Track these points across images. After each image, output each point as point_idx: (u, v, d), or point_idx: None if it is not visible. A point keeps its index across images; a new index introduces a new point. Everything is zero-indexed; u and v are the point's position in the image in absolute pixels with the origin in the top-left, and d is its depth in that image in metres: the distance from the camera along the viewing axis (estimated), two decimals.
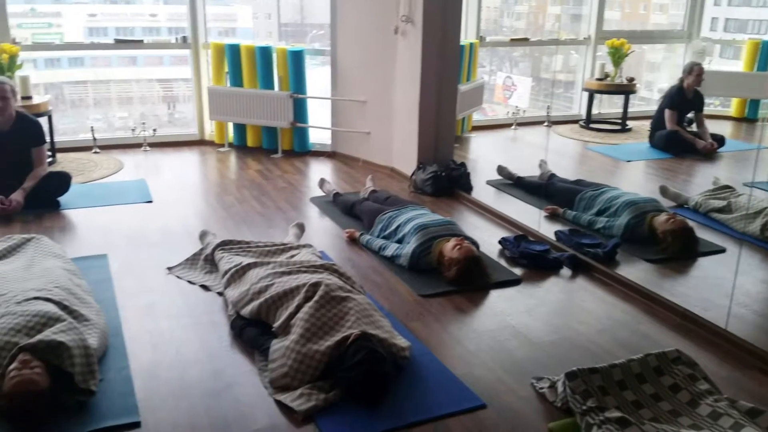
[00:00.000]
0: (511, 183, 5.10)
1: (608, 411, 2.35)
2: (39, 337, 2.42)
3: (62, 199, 4.53)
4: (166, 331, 2.94)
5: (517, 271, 3.67)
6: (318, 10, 6.88)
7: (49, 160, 5.10)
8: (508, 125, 7.04)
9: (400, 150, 5.53)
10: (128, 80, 7.23)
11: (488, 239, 4.06)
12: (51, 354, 2.38)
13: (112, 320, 2.97)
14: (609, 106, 7.57)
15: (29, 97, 5.38)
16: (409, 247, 3.62)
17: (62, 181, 4.54)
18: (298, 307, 2.78)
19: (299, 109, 6.04)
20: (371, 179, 4.88)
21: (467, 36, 6.59)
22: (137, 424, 2.30)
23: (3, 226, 4.09)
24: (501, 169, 5.22)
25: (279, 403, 2.45)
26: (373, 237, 3.97)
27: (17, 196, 4.30)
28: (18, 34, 5.73)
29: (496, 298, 3.37)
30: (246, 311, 2.93)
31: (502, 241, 3.96)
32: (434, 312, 3.20)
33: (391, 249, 3.74)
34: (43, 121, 5.13)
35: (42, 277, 2.95)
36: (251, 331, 2.86)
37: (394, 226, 3.90)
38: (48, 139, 5.19)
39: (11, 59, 5.29)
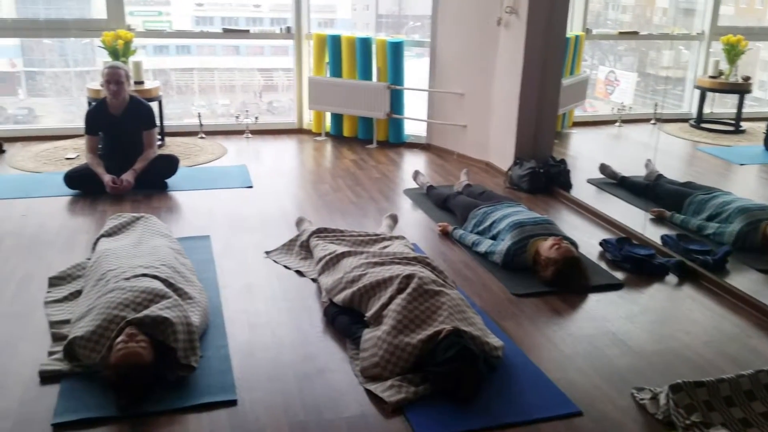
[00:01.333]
0: (614, 183, 4.90)
1: (714, 428, 2.21)
2: (145, 312, 2.54)
3: (170, 181, 4.74)
4: (262, 313, 3.01)
5: (619, 276, 3.52)
6: (417, 1, 6.85)
7: (159, 143, 5.34)
8: (611, 122, 6.76)
9: (497, 144, 5.42)
10: (231, 69, 7.48)
11: (588, 240, 3.92)
12: (156, 329, 2.49)
13: (213, 299, 3.07)
14: (720, 105, 7.13)
15: (141, 82, 5.67)
16: (503, 244, 3.55)
17: (170, 164, 4.75)
18: (391, 298, 2.78)
19: (396, 101, 6.05)
20: (466, 173, 4.82)
21: (572, 28, 6.37)
22: (234, 402, 2.37)
23: (115, 205, 4.32)
24: (603, 168, 5.02)
25: (369, 392, 2.45)
26: (466, 232, 3.91)
27: (128, 177, 4.53)
28: (131, 21, 6.03)
29: (595, 302, 3.25)
30: (339, 299, 2.96)
31: (603, 243, 3.81)
32: (528, 312, 3.11)
33: (485, 245, 3.67)
34: (154, 105, 5.38)
35: (150, 255, 3.10)
36: (343, 319, 2.89)
37: (488, 222, 3.83)
38: (158, 123, 5.44)
39: (126, 45, 5.58)
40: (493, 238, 3.71)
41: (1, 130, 5.95)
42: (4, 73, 6.96)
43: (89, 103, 5.44)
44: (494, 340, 2.68)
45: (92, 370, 2.46)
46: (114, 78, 4.52)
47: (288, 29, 6.37)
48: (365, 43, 6.01)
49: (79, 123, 5.78)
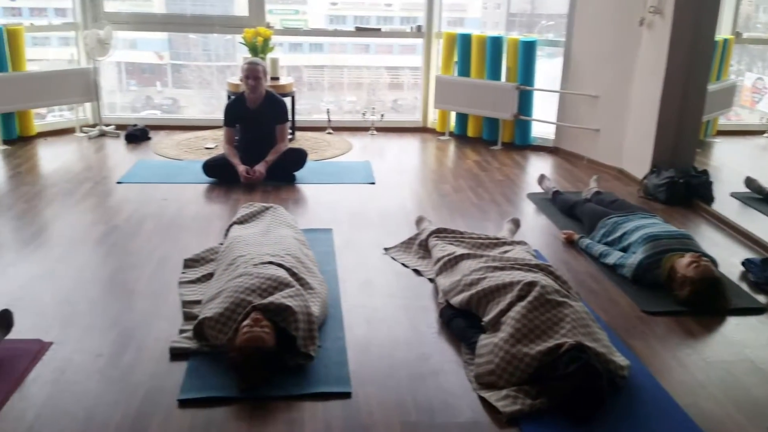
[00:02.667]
0: (761, 198, 4.50)
1: None
2: (270, 299, 2.63)
3: (298, 173, 4.90)
4: (380, 309, 3.03)
5: (762, 299, 3.22)
6: (551, 0, 6.64)
7: (289, 137, 5.53)
8: (759, 132, 6.23)
9: (632, 150, 5.14)
10: (360, 67, 7.61)
11: (729, 259, 3.62)
12: (279, 316, 2.57)
13: (333, 291, 3.13)
14: None
15: (277, 78, 5.90)
16: (635, 258, 3.35)
17: (299, 158, 4.91)
18: (510, 305, 2.70)
19: (524, 102, 5.90)
20: (596, 179, 4.60)
21: (720, 31, 5.92)
22: (348, 395, 2.40)
23: (246, 194, 4.52)
24: (750, 182, 4.62)
25: (483, 399, 2.40)
26: (593, 242, 3.73)
27: (261, 168, 4.72)
28: (270, 19, 6.29)
29: (734, 326, 2.99)
30: (456, 301, 2.92)
31: (746, 263, 3.50)
32: (659, 332, 2.92)
33: (614, 257, 3.49)
34: (287, 101, 5.57)
35: (276, 244, 3.20)
36: (460, 323, 2.84)
37: (619, 233, 3.63)
38: (290, 117, 5.63)
39: (265, 42, 5.83)
40: (623, 250, 3.52)
41: (147, 119, 6.41)
42: (153, 65, 7.49)
43: (228, 97, 5.73)
44: (620, 359, 2.53)
45: (218, 350, 2.58)
46: (253, 73, 4.73)
47: (418, 28, 6.39)
48: (496, 42, 5.91)
49: (219, 115, 6.11)
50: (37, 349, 2.61)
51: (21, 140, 5.68)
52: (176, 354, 2.61)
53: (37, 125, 5.84)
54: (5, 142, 5.51)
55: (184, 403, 2.33)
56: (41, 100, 5.60)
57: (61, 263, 3.42)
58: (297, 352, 2.54)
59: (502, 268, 2.99)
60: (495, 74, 5.98)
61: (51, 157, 5.33)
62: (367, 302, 3.09)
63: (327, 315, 2.92)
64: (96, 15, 5.95)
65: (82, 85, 5.76)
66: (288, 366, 2.52)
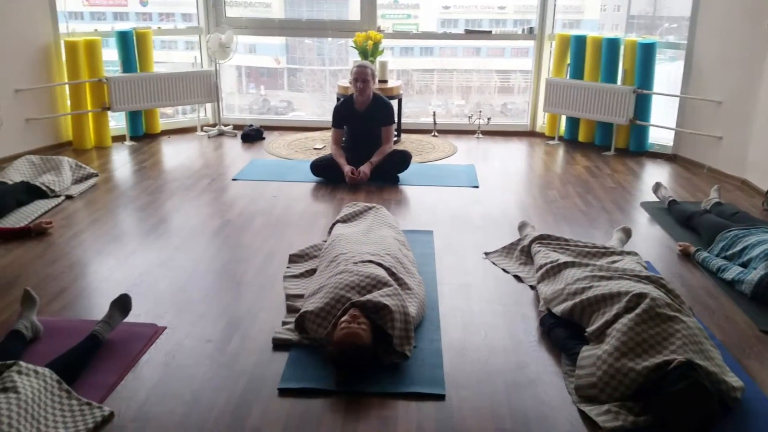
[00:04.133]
0: None
1: None
2: (368, 296, 2.66)
3: (402, 175, 4.94)
4: (477, 314, 3.00)
5: None
6: (675, 2, 6.30)
7: (395, 139, 5.58)
8: None
9: (757, 160, 4.79)
10: (469, 70, 7.56)
11: None
12: (376, 314, 2.60)
13: (430, 293, 3.13)
14: None
15: (385, 81, 5.98)
16: (755, 274, 3.11)
17: (404, 159, 4.95)
18: (617, 316, 2.58)
19: (641, 106, 5.64)
20: (717, 190, 4.32)
21: None
22: (442, 397, 2.39)
23: (351, 194, 4.62)
24: None
25: (582, 413, 2.31)
26: (711, 255, 3.51)
27: (365, 169, 4.80)
28: (381, 23, 6.38)
29: None
30: (558, 310, 2.84)
31: None
32: None
33: (733, 272, 3.26)
34: (394, 103, 5.63)
35: (377, 244, 3.25)
36: (561, 332, 2.76)
37: (739, 247, 3.39)
38: (396, 120, 5.69)
39: (375, 45, 5.92)
40: (743, 265, 3.29)
41: (263, 119, 6.69)
42: (271, 69, 7.80)
43: (338, 99, 5.87)
44: (733, 380, 2.36)
45: (317, 344, 2.65)
46: (361, 76, 4.82)
47: (530, 30, 6.27)
48: (613, 44, 5.69)
49: (329, 117, 6.27)
50: (151, 333, 2.79)
51: (147, 137, 6.09)
52: (278, 345, 2.70)
53: (161, 123, 6.24)
54: (132, 139, 5.93)
55: (283, 392, 2.41)
56: (166, 100, 5.97)
57: (178, 253, 3.63)
58: (392, 350, 2.56)
59: (609, 278, 2.87)
60: (610, 77, 5.76)
61: (173, 154, 5.68)
62: (464, 306, 3.07)
63: (424, 316, 2.92)
64: (218, 20, 6.28)
65: (203, 87, 6.10)
66: (383, 364, 2.55)
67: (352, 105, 4.98)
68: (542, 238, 3.50)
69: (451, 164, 5.46)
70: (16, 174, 4.50)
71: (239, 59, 6.33)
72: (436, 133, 6.39)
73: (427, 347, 2.70)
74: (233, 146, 5.95)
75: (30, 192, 4.31)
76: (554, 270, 3.13)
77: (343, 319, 2.56)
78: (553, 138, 6.21)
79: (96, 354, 2.58)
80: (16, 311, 2.84)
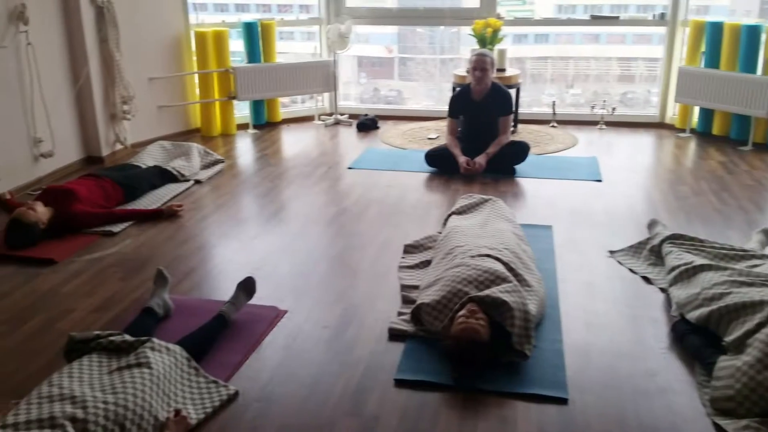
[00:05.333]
0: None
1: None
2: (487, 292, 2.60)
3: (518, 167, 4.81)
4: (602, 315, 2.85)
5: None
6: None
7: (511, 129, 5.44)
8: None
9: None
10: (587, 58, 7.24)
11: None
12: (495, 310, 2.53)
13: (551, 291, 3.02)
14: None
15: (503, 70, 5.83)
16: None
17: (521, 151, 4.81)
18: (759, 326, 2.38)
19: None
20: None
21: None
22: (564, 401, 2.30)
23: (466, 185, 4.54)
24: None
25: (718, 427, 2.15)
26: None
27: (481, 160, 4.71)
28: (500, 10, 6.21)
29: None
30: (692, 316, 2.65)
31: None
32: None
33: None
34: (512, 92, 5.48)
35: (494, 237, 3.17)
36: (695, 340, 2.57)
37: None
38: (514, 110, 5.53)
39: (494, 33, 5.78)
40: None
41: (376, 109, 6.72)
42: (382, 59, 7.84)
43: (453, 89, 5.80)
44: None
45: (434, 336, 2.62)
46: (480, 65, 4.72)
47: (661, 15, 5.90)
48: (753, 31, 5.25)
49: (441, 107, 6.21)
50: (273, 316, 2.87)
51: (268, 125, 6.29)
52: (394, 335, 2.70)
53: (282, 112, 6.42)
54: (255, 127, 6.14)
55: (399, 383, 2.40)
56: (287, 89, 6.14)
57: (297, 239, 3.72)
58: (511, 348, 2.48)
59: (750, 284, 2.65)
60: (749, 66, 5.32)
61: (292, 142, 5.83)
62: (588, 306, 2.93)
63: (544, 315, 2.82)
64: (338, 10, 6.37)
65: (322, 77, 6.22)
66: (501, 361, 2.48)
67: (469, 94, 4.89)
68: (674, 238, 3.28)
69: (571, 156, 5.24)
70: (149, 158, 4.77)
71: (353, 49, 6.39)
72: (555, 124, 6.17)
73: (548, 348, 2.60)
74: (349, 135, 6.03)
75: (162, 176, 4.56)
76: (689, 273, 2.92)
77: (460, 313, 2.52)
78: (684, 130, 5.83)
79: (222, 334, 2.68)
80: (149, 289, 3.01)
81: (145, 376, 2.17)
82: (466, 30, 6.02)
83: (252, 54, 5.98)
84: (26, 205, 3.67)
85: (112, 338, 2.35)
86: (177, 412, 2.16)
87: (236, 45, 6.08)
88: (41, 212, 3.64)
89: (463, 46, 6.98)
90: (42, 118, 4.56)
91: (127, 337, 2.37)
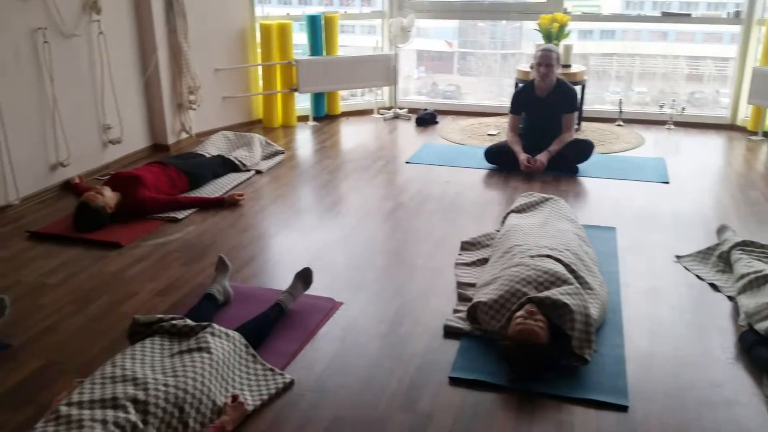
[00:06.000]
0: None
1: None
2: (547, 293, 2.54)
3: (581, 166, 4.69)
4: (666, 322, 2.76)
5: None
6: None
7: (575, 127, 5.31)
8: None
9: None
10: (654, 55, 7.00)
11: None
12: (555, 313, 2.48)
13: (613, 296, 2.93)
14: None
15: (568, 66, 5.70)
16: None
17: (584, 149, 4.69)
18: None
19: None
20: None
21: None
22: (624, 408, 2.23)
23: (526, 183, 4.47)
24: None
25: None
26: None
27: (542, 157, 4.62)
28: (567, 5, 6.07)
29: None
30: (762, 327, 2.53)
31: None
32: None
33: None
34: (577, 89, 5.35)
35: (555, 238, 3.10)
36: (764, 351, 2.46)
37: None
38: (578, 107, 5.40)
39: (560, 28, 5.66)
40: None
41: (434, 103, 6.68)
42: (442, 53, 7.77)
43: (516, 84, 5.71)
44: None
45: (490, 336, 2.59)
46: (545, 61, 4.63)
47: (736, 14, 5.65)
48: None
49: (501, 102, 6.12)
50: (329, 307, 2.89)
51: (328, 118, 6.33)
52: (449, 332, 2.67)
53: (341, 105, 6.46)
54: (315, 119, 6.19)
55: (454, 381, 2.38)
56: (348, 82, 6.16)
57: (354, 232, 3.73)
58: (571, 352, 2.43)
59: None
60: None
61: (351, 135, 5.86)
62: (651, 312, 2.84)
63: (605, 320, 2.74)
64: (401, 3, 6.35)
65: (383, 71, 6.21)
66: (559, 365, 2.43)
67: (532, 90, 4.80)
68: (745, 245, 3.15)
69: (637, 156, 5.09)
70: (213, 148, 4.87)
71: (412, 43, 6.35)
72: (621, 122, 6.00)
73: (608, 353, 2.53)
74: (407, 129, 6.01)
75: (225, 165, 4.65)
76: (759, 281, 2.80)
77: (518, 314, 2.48)
78: (756, 133, 5.58)
79: (279, 323, 2.71)
80: (210, 275, 3.07)
81: (205, 361, 2.21)
82: (529, 25, 5.92)
83: (315, 47, 6.02)
84: (95, 189, 3.80)
85: (174, 322, 2.40)
86: (234, 397, 2.19)
87: (299, 38, 6.13)
88: (109, 197, 3.76)
89: (525, 41, 6.86)
90: (112, 105, 4.71)
91: (189, 322, 2.42)
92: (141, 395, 1.98)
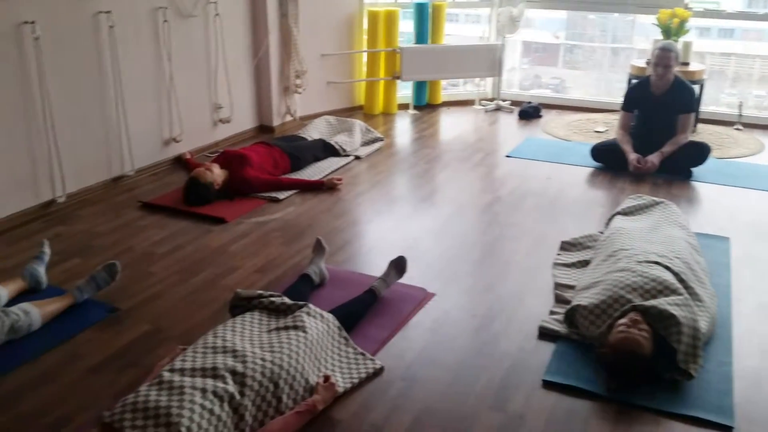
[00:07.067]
0: None
1: None
2: (653, 302, 2.42)
3: (696, 169, 4.44)
4: None
5: None
6: None
7: (691, 129, 5.01)
8: None
9: None
10: None
11: None
12: (660, 323, 2.36)
13: (723, 309, 2.76)
14: None
15: (686, 64, 5.39)
16: None
17: (700, 153, 4.42)
18: None
19: None
20: None
21: None
22: (729, 429, 2.10)
23: (634, 184, 4.27)
24: None
25: None
26: None
27: (654, 158, 4.39)
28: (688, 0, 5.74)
29: None
30: None
31: None
32: None
33: None
34: (695, 89, 5.05)
35: (664, 244, 2.94)
36: None
37: None
38: (696, 108, 5.10)
39: (680, 24, 5.35)
40: None
41: (538, 96, 6.49)
42: (547, 45, 7.54)
43: (629, 80, 5.46)
44: None
45: (588, 341, 2.49)
46: (663, 62, 4.38)
47: None
48: None
49: (609, 98, 5.88)
50: (421, 297, 2.87)
51: (428, 107, 6.30)
52: (544, 334, 2.60)
53: (442, 95, 6.40)
54: (415, 108, 6.18)
55: (548, 384, 2.31)
56: (452, 72, 6.10)
57: (449, 223, 3.70)
58: (675, 366, 2.30)
59: None
60: None
61: (450, 125, 5.80)
62: (764, 330, 2.65)
63: (713, 334, 2.58)
64: None
65: (488, 61, 6.10)
66: (661, 378, 2.31)
67: (647, 88, 4.57)
68: None
69: (757, 163, 4.75)
70: (314, 131, 4.96)
71: (518, 34, 6.18)
72: (740, 126, 5.62)
73: (714, 370, 2.38)
74: (509, 122, 5.89)
75: (325, 149, 4.72)
76: None
77: (621, 321, 2.37)
78: None
79: (371, 309, 2.73)
80: (307, 256, 3.13)
81: (300, 340, 2.25)
82: (642, 19, 5.62)
83: (420, 35, 5.99)
84: (204, 166, 3.95)
85: (272, 299, 2.46)
86: (326, 377, 2.23)
87: (405, 25, 6.12)
88: (217, 174, 3.90)
89: (637, 35, 6.55)
90: (223, 85, 4.88)
91: (286, 300, 2.48)
92: (239, 367, 2.04)
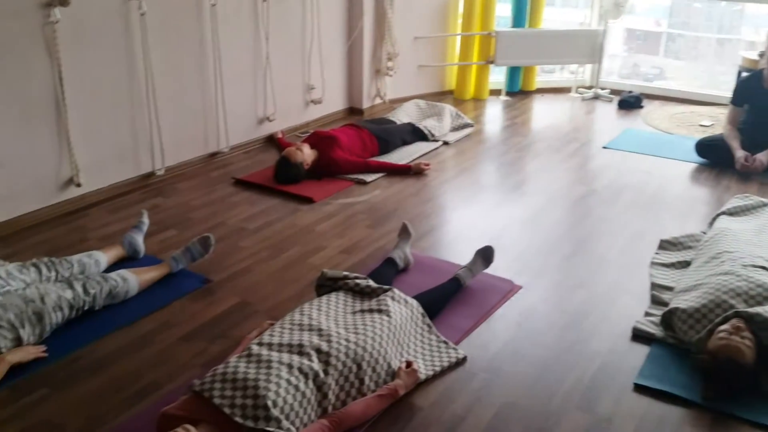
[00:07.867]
0: None
1: None
2: (758, 309, 2.27)
3: None
4: None
5: None
6: None
7: None
8: None
9: None
10: None
11: None
12: (765, 332, 2.21)
13: None
14: None
15: None
16: None
17: None
18: None
19: None
20: None
21: None
22: None
23: (740, 183, 4.01)
24: None
25: None
26: None
27: (763, 157, 4.10)
28: None
29: None
30: None
31: None
32: None
33: None
34: None
35: None
36: None
37: None
38: None
39: None
40: None
41: (636, 86, 6.18)
42: (648, 33, 7.17)
43: (739, 73, 5.12)
44: None
45: (685, 346, 2.36)
46: None
47: None
48: None
49: (715, 91, 5.54)
50: (507, 289, 2.81)
51: (521, 93, 6.13)
52: (638, 335, 2.48)
53: (537, 81, 6.22)
54: (508, 94, 6.03)
55: (639, 389, 2.21)
56: (549, 57, 5.90)
57: (540, 214, 3.59)
58: None
59: None
60: None
61: (544, 113, 5.63)
62: None
63: None
64: None
65: (588, 47, 5.86)
66: (762, 389, 2.16)
67: (759, 82, 4.26)
68: None
69: None
70: (404, 115, 4.93)
71: (623, 20, 5.90)
72: None
73: None
74: (607, 112, 5.65)
75: (413, 133, 4.69)
76: None
77: (722, 327, 2.23)
78: None
79: (455, 297, 2.68)
80: (392, 240, 3.12)
81: (384, 323, 2.24)
82: (751, 8, 5.24)
83: (518, 18, 5.83)
84: (295, 145, 4.00)
85: (358, 281, 2.47)
86: (409, 363, 2.21)
87: (502, 9, 5.97)
88: (307, 154, 3.95)
89: (746, 26, 6.13)
90: (317, 67, 4.92)
91: (371, 283, 2.47)
92: (324, 346, 2.05)
